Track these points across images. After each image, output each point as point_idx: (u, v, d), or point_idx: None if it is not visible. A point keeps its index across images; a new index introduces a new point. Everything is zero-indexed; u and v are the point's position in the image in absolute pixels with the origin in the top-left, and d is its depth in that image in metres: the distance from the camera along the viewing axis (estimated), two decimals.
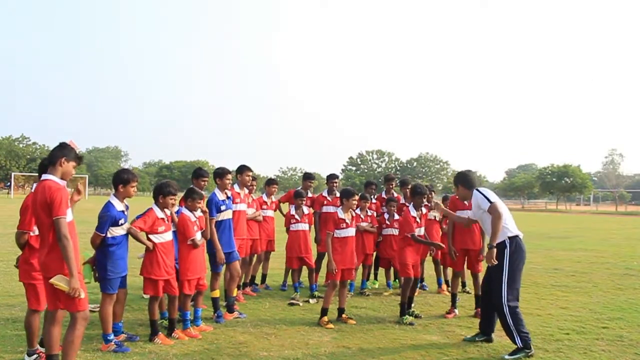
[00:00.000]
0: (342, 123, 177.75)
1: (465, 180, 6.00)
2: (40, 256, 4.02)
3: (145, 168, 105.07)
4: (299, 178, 78.29)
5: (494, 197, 5.53)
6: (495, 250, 5.25)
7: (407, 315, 6.35)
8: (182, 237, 5.64)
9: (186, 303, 5.64)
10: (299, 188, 8.37)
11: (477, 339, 5.60)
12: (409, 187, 8.21)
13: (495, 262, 5.24)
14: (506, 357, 5.03)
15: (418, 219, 6.58)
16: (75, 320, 4.00)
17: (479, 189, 5.71)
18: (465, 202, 6.39)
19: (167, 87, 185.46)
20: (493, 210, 5.36)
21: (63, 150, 4.04)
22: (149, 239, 5.25)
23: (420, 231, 6.58)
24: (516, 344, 5.08)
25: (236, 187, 6.98)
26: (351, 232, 6.33)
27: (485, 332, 5.61)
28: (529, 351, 5.04)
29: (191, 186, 5.99)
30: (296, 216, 7.80)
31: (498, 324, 5.38)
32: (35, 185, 4.57)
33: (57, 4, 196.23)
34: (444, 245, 6.91)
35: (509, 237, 5.31)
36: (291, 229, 7.83)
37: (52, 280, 3.82)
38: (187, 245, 5.61)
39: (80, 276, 3.98)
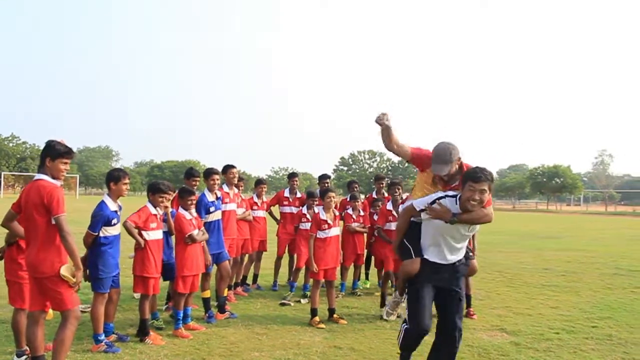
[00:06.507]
0: (341, 123, 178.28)
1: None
2: (27, 256, 3.99)
3: (137, 168, 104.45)
4: None
5: None
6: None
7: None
8: (179, 236, 5.66)
9: (179, 302, 5.62)
10: (287, 188, 8.47)
11: None
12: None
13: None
14: None
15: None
16: (66, 320, 3.97)
17: None
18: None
19: (159, 87, 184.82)
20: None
21: (46, 150, 4.02)
22: (141, 235, 5.26)
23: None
24: None
25: (225, 187, 6.97)
26: (333, 232, 6.32)
27: None
28: None
29: (182, 186, 6.01)
30: (307, 215, 7.76)
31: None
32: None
33: (51, 3, 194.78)
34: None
35: None
36: (301, 227, 7.81)
37: (61, 272, 3.86)
38: (184, 243, 5.61)
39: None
